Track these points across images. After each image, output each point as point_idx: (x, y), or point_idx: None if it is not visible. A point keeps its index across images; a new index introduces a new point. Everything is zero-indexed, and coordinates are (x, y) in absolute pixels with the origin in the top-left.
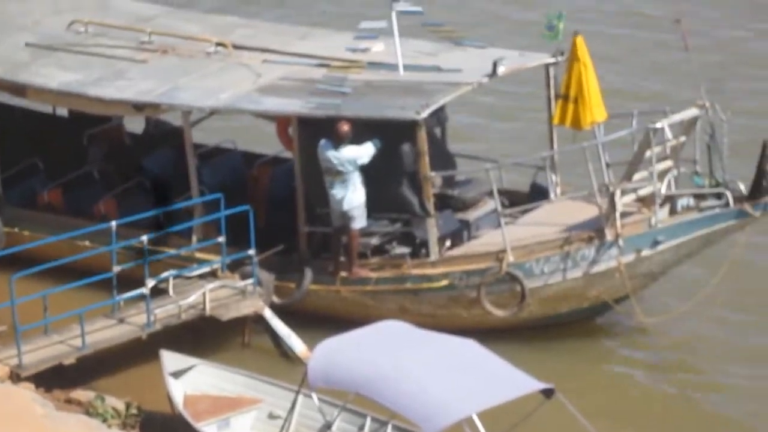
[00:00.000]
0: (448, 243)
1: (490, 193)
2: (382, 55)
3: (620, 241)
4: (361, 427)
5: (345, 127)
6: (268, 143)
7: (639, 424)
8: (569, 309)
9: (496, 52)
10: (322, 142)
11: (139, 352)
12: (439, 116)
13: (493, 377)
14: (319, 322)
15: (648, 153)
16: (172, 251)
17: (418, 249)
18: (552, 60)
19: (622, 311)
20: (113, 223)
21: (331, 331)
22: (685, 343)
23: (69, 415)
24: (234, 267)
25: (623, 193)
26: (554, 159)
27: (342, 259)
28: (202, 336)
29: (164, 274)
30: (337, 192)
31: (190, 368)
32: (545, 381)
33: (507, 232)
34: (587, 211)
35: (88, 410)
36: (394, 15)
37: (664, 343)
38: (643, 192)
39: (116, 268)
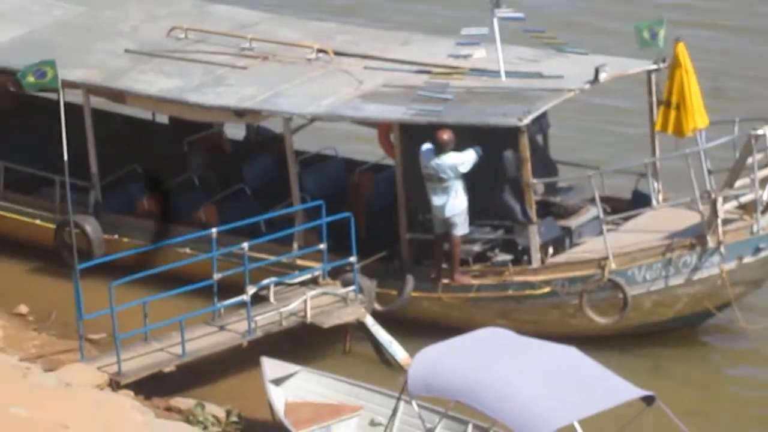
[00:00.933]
0: (550, 250)
1: (592, 200)
2: (484, 62)
3: (722, 248)
4: None
5: (446, 136)
6: (369, 150)
7: None
8: (671, 316)
9: (598, 59)
10: (424, 148)
11: (239, 360)
12: (541, 123)
13: (594, 385)
14: (420, 329)
15: (750, 160)
16: (273, 258)
17: (520, 256)
18: (654, 66)
19: (723, 318)
20: (214, 230)
21: (432, 338)
22: None
23: (169, 422)
24: (335, 274)
25: (725, 200)
26: (656, 166)
27: (444, 266)
28: (302, 343)
29: (265, 281)
30: (438, 199)
31: (291, 375)
32: (646, 388)
33: (609, 239)
34: (689, 218)
35: (188, 418)
36: (495, 21)
37: (767, 351)
38: (744, 199)
39: (217, 276)
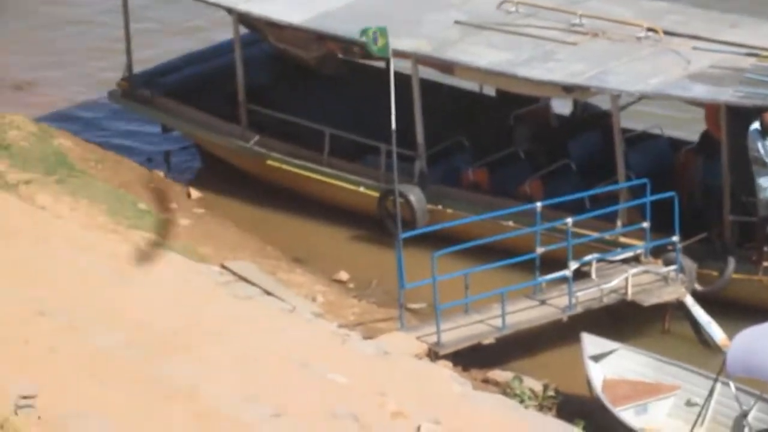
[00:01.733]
0: None
1: None
2: None
3: None
4: None
5: None
6: (694, 130)
7: None
8: None
9: None
10: (752, 129)
11: (557, 334)
12: None
13: None
14: (739, 311)
15: None
16: (596, 235)
17: None
18: None
19: None
20: (538, 205)
21: (750, 321)
22: None
23: (486, 394)
24: (657, 253)
25: None
26: None
27: (766, 248)
28: (621, 320)
29: (587, 257)
30: (763, 181)
31: (610, 352)
32: None
33: None
34: None
35: (506, 390)
36: None
37: None
38: None
39: (539, 250)
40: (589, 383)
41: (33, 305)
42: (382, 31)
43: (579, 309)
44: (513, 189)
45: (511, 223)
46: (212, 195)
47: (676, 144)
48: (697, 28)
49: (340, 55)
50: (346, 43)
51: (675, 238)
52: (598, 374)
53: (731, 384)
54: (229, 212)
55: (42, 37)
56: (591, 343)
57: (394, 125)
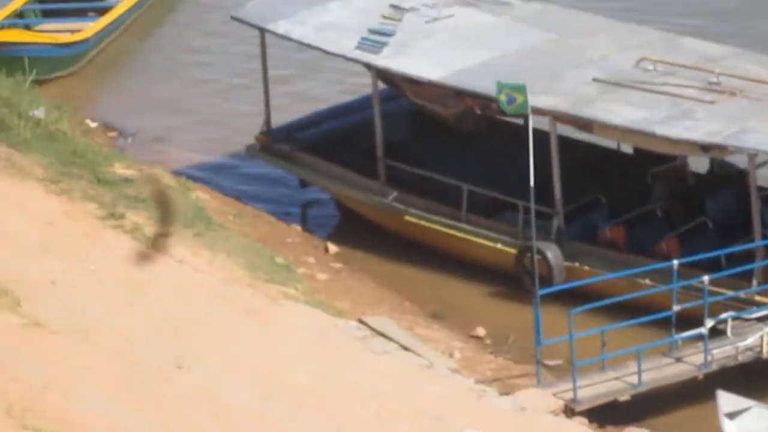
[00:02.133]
0: None
1: None
2: None
3: None
4: None
5: None
6: None
7: None
8: None
9: None
10: None
11: (693, 391)
12: None
13: None
14: None
15: None
16: (732, 293)
17: None
18: None
19: None
20: (675, 262)
21: None
22: None
23: None
24: None
25: None
26: None
27: None
28: (756, 378)
29: (723, 315)
30: None
31: (745, 410)
32: None
33: None
34: None
35: None
36: None
37: None
38: None
39: (676, 307)
40: None
41: (170, 358)
42: (520, 89)
43: (714, 367)
44: (650, 247)
45: (647, 281)
46: (350, 250)
47: None
48: None
49: (478, 112)
50: (484, 100)
51: None
52: None
53: None
54: (367, 267)
55: (180, 95)
56: (726, 400)
57: (532, 182)
